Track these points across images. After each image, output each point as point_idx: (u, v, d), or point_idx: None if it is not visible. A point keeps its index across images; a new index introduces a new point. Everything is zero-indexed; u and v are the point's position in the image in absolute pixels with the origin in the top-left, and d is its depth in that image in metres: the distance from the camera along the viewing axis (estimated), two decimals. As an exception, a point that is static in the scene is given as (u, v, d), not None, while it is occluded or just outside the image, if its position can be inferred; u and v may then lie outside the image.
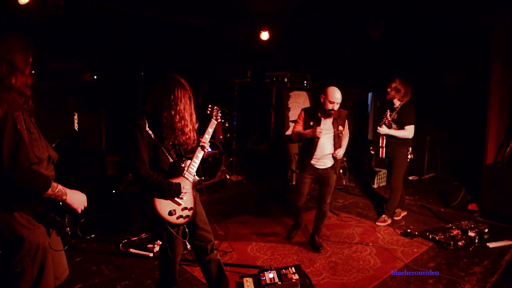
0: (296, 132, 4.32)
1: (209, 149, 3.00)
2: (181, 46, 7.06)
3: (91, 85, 5.49)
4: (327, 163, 4.32)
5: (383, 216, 5.38)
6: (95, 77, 5.54)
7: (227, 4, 6.55)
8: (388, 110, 5.19)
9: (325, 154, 4.28)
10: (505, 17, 5.57)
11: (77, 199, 2.23)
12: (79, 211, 2.25)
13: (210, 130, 3.04)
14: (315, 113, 4.26)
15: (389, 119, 5.12)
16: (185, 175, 2.85)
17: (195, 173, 2.92)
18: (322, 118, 4.23)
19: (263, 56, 7.84)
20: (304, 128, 4.28)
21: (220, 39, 7.47)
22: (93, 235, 4.61)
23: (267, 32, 7.32)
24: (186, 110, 2.76)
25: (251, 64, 7.72)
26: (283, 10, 6.70)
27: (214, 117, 3.13)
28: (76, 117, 5.12)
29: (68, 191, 2.18)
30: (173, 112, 2.69)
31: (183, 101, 2.74)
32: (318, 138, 4.16)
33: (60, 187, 2.13)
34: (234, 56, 7.79)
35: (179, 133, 2.76)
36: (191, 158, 2.91)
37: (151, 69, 6.11)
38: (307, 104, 7.57)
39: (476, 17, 5.99)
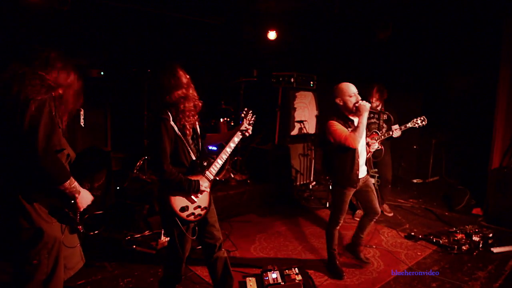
0: (351, 133, 3.56)
1: (228, 153, 3.03)
2: (189, 44, 7.07)
3: (97, 81, 5.50)
4: (365, 167, 3.88)
5: (384, 205, 5.70)
6: (102, 73, 5.54)
7: (235, 3, 6.55)
8: (371, 114, 5.39)
9: (365, 157, 3.84)
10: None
11: (85, 199, 2.28)
12: (81, 209, 2.29)
13: (239, 134, 3.08)
14: (344, 117, 3.72)
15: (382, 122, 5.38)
16: (206, 174, 2.87)
17: (216, 174, 2.93)
18: (355, 119, 3.75)
19: (269, 55, 7.83)
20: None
21: (227, 37, 7.47)
22: (96, 231, 4.62)
23: (274, 31, 7.32)
24: (182, 85, 2.76)
25: (257, 63, 7.72)
26: (290, 10, 6.68)
27: (248, 121, 3.14)
28: (82, 113, 5.12)
29: (81, 190, 2.23)
30: (180, 93, 2.72)
31: (175, 79, 2.75)
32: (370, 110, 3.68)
33: (76, 184, 2.18)
34: (241, 55, 7.79)
35: (194, 104, 2.80)
36: (214, 158, 2.94)
37: (157, 65, 6.12)
38: (313, 104, 7.55)
39: (485, 21, 5.96)
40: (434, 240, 4.66)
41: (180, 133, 2.73)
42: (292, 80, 7.06)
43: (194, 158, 2.85)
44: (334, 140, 3.62)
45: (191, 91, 2.79)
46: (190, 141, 2.87)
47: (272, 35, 7.35)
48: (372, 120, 5.47)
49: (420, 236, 4.87)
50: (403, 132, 5.08)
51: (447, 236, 4.70)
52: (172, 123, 2.70)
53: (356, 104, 3.61)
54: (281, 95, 7.12)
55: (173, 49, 6.82)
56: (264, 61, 7.85)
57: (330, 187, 3.83)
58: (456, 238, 4.63)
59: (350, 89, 3.69)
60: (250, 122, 3.16)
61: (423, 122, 4.72)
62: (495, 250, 4.48)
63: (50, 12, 5.17)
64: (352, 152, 3.64)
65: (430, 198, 6.70)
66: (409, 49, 7.20)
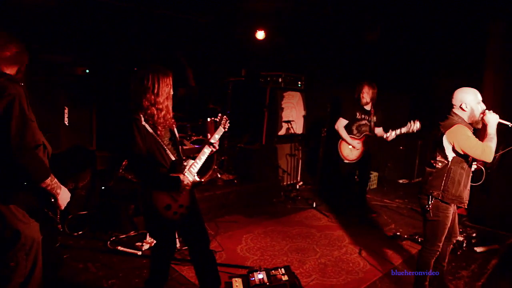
0: (488, 144, 3.05)
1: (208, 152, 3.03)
2: (176, 42, 7.01)
3: (83, 79, 5.41)
4: None
5: None
6: (87, 71, 5.45)
7: (223, 2, 6.52)
8: (362, 114, 5.53)
9: None
10: (499, 28, 5.65)
11: (65, 197, 2.23)
12: (62, 207, 2.24)
13: (216, 136, 3.08)
14: (467, 125, 3.22)
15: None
16: (186, 173, 2.87)
17: (196, 173, 2.93)
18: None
19: (258, 55, 7.82)
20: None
21: (215, 36, 7.43)
22: (80, 232, 4.55)
23: (263, 31, 7.30)
24: (162, 93, 2.76)
25: (246, 63, 7.69)
26: (279, 10, 6.68)
27: (222, 125, 3.15)
28: (66, 111, 5.03)
29: (61, 186, 2.17)
30: (152, 97, 2.72)
31: (156, 85, 2.75)
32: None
33: (56, 180, 2.13)
34: (229, 54, 7.76)
35: (165, 115, 2.79)
36: (194, 158, 2.94)
37: (145, 64, 6.06)
38: (300, 105, 7.55)
39: (471, 25, 6.05)
40: (420, 240, 4.70)
41: (153, 132, 2.73)
42: (280, 80, 7.06)
43: (173, 158, 2.85)
44: (462, 149, 3.10)
45: (161, 100, 2.75)
46: (167, 141, 2.86)
47: (260, 34, 7.33)
48: (363, 122, 5.54)
49: (405, 236, 4.91)
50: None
51: (432, 236, 4.74)
52: (144, 123, 2.70)
53: (482, 114, 3.18)
54: (268, 95, 7.11)
55: (161, 47, 6.76)
56: (252, 60, 7.83)
57: (429, 208, 3.27)
58: (440, 238, 4.67)
59: (478, 96, 3.25)
60: (225, 127, 3.17)
61: (416, 126, 4.76)
62: (478, 249, 4.54)
63: (35, 7, 5.08)
64: (469, 167, 3.23)
65: (415, 198, 6.69)
66: (397, 51, 7.26)
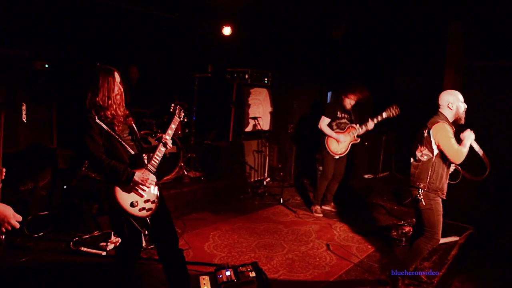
0: (462, 148, 3.37)
1: (170, 146, 2.99)
2: (141, 38, 6.85)
3: (42, 74, 5.20)
4: None
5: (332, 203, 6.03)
6: (47, 66, 5.24)
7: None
8: (343, 113, 5.67)
9: None
10: (458, 28, 5.88)
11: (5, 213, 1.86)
12: (9, 226, 1.87)
13: (172, 126, 3.05)
14: (450, 123, 3.49)
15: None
16: (148, 167, 2.84)
17: (156, 168, 2.91)
18: None
19: (224, 51, 7.76)
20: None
21: (181, 32, 7.32)
22: (41, 233, 4.38)
23: (229, 27, 7.25)
24: (112, 90, 2.79)
25: (212, 59, 7.63)
26: (246, 6, 6.65)
27: (177, 115, 3.13)
28: (24, 107, 4.82)
29: None
30: (101, 95, 2.74)
31: (106, 83, 2.78)
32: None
33: None
34: (195, 50, 7.66)
35: (116, 110, 2.80)
36: (153, 152, 2.91)
37: (108, 59, 5.88)
38: (267, 101, 7.57)
39: (432, 26, 6.25)
40: (384, 233, 4.83)
41: (109, 129, 2.73)
42: (246, 76, 7.05)
43: (133, 153, 2.85)
44: (439, 145, 3.39)
45: (104, 98, 2.75)
46: (125, 136, 2.86)
47: (227, 30, 7.28)
48: (343, 121, 5.68)
49: (370, 230, 5.02)
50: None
51: (396, 229, 4.87)
52: (98, 121, 2.70)
53: (462, 113, 3.50)
54: (235, 91, 7.08)
55: (125, 43, 6.59)
56: (218, 57, 7.77)
57: (420, 197, 3.47)
58: (404, 231, 4.81)
59: (460, 97, 3.52)
60: (180, 116, 3.17)
61: (396, 110, 5.29)
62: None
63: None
64: (449, 162, 3.48)
65: (379, 193, 6.91)
66: (361, 50, 7.39)
